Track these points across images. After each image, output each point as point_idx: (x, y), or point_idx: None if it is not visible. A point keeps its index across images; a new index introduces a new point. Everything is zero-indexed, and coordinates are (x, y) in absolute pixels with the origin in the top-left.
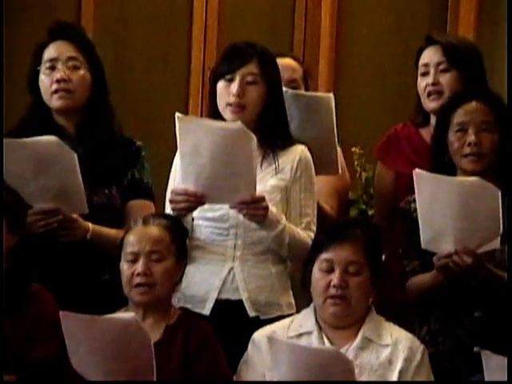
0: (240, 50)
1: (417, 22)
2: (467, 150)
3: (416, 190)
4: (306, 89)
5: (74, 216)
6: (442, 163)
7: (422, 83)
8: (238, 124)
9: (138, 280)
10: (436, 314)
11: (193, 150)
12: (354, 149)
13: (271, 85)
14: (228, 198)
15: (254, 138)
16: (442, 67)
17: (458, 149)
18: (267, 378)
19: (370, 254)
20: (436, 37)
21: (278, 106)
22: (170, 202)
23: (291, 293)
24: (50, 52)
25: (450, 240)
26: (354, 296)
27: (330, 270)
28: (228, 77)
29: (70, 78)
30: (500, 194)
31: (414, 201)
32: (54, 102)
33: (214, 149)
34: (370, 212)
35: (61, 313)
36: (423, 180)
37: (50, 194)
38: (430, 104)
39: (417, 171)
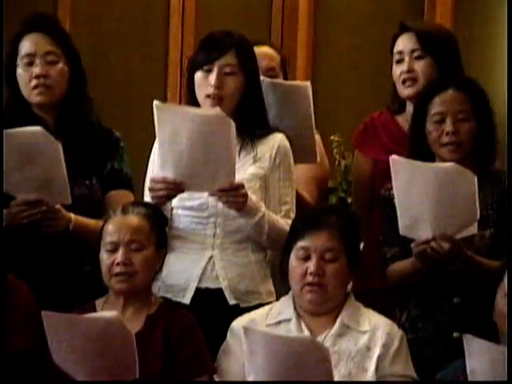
0: (218, 39)
1: (394, 10)
2: (445, 139)
3: (392, 177)
4: (285, 77)
5: (57, 207)
6: (420, 151)
7: (397, 70)
8: (217, 110)
9: (117, 269)
10: (415, 300)
11: (171, 138)
12: (332, 137)
13: (249, 75)
14: (207, 185)
15: (233, 124)
16: (416, 54)
17: (436, 138)
18: (246, 367)
19: (347, 241)
20: (410, 24)
21: (255, 95)
22: (149, 190)
23: (271, 281)
24: (26, 46)
25: (428, 226)
26: (331, 283)
27: (307, 258)
28: (206, 67)
29: (48, 73)
30: (476, 179)
31: None
32: (34, 98)
33: (193, 136)
34: (350, 199)
35: (42, 312)
36: (399, 166)
37: (34, 184)
38: (404, 91)
39: (393, 157)
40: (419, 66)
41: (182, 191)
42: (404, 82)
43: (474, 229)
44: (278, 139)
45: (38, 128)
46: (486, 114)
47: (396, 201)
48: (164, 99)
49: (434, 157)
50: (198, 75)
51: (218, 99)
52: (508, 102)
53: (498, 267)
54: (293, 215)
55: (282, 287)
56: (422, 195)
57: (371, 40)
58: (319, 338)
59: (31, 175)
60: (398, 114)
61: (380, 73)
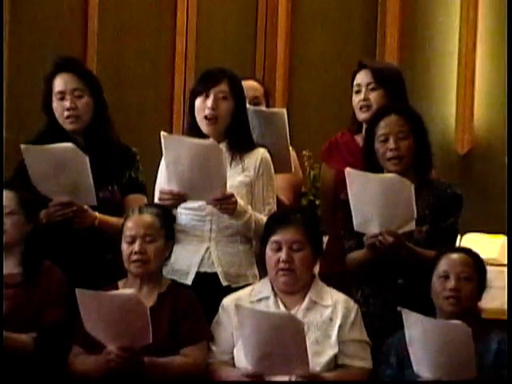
0: (213, 73)
1: (353, 53)
2: (389, 154)
3: (348, 185)
4: (267, 104)
5: (85, 207)
6: (371, 165)
7: (356, 99)
8: (211, 141)
9: (135, 257)
10: (368, 281)
11: (175, 160)
12: (304, 152)
13: (238, 101)
14: (204, 196)
15: (223, 151)
16: (370, 87)
17: (382, 154)
18: (235, 337)
19: (310, 234)
20: (366, 62)
21: (243, 118)
22: (159, 199)
23: (255, 266)
24: (58, 84)
25: (376, 223)
26: (299, 268)
27: (279, 249)
28: (204, 94)
29: (76, 106)
30: (413, 186)
31: None
32: (67, 126)
33: (192, 159)
34: (317, 202)
35: (76, 290)
36: (353, 176)
37: (66, 189)
38: (361, 115)
39: (348, 170)
40: (373, 96)
41: (185, 201)
42: (361, 108)
43: (412, 225)
44: (261, 153)
45: (69, 144)
46: (422, 134)
47: (351, 204)
48: (170, 123)
49: (383, 169)
50: (198, 101)
51: (213, 119)
52: (508, 101)
53: (433, 255)
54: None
55: (263, 271)
56: (371, 199)
57: (335, 76)
58: (292, 312)
59: (64, 182)
60: (356, 133)
61: (342, 102)
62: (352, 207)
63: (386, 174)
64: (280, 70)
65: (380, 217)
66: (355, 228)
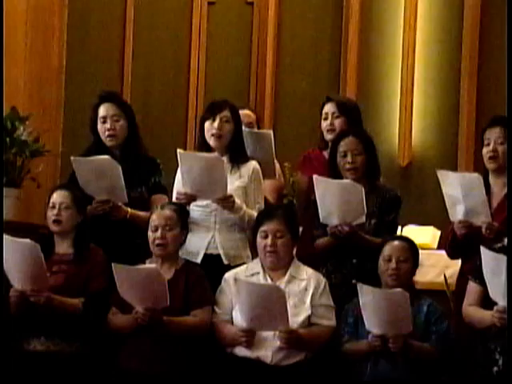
0: (219, 103)
1: (322, 87)
2: (347, 166)
3: (315, 188)
4: (258, 128)
5: (119, 204)
6: (335, 174)
7: (324, 124)
8: (216, 154)
9: (157, 242)
10: (331, 260)
11: (188, 170)
12: (285, 164)
13: (236, 124)
14: (210, 196)
15: (224, 162)
16: (335, 115)
17: (342, 166)
18: (233, 302)
19: (289, 225)
20: (332, 96)
21: (239, 137)
22: (176, 199)
23: (249, 249)
24: (102, 111)
25: (336, 217)
26: (281, 251)
27: (266, 237)
28: (211, 118)
29: (114, 128)
30: (363, 189)
31: None
32: (107, 142)
33: (201, 169)
34: (295, 201)
35: (112, 265)
36: (319, 182)
37: (104, 190)
38: (328, 136)
39: (315, 177)
40: (337, 122)
41: (195, 200)
42: (327, 131)
43: (362, 219)
44: (253, 164)
45: (106, 156)
46: (372, 150)
47: (317, 202)
48: (185, 140)
49: (343, 177)
50: (207, 124)
51: (218, 137)
52: (508, 102)
53: (379, 241)
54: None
55: (255, 253)
56: (333, 199)
57: (309, 106)
58: (277, 284)
59: (102, 185)
60: (324, 150)
61: (314, 125)
62: (318, 205)
63: (344, 180)
64: (268, 101)
65: (339, 212)
66: (321, 220)
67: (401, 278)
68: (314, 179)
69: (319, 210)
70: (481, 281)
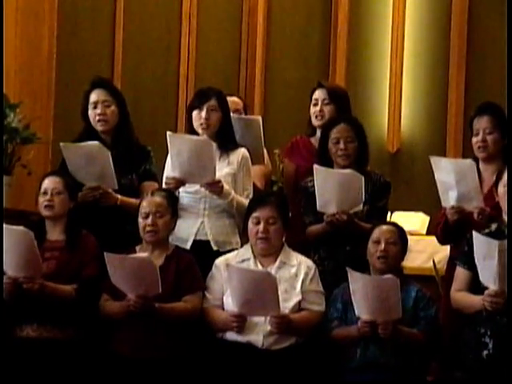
0: (205, 91)
1: (312, 74)
2: (340, 152)
3: (315, 177)
4: (246, 114)
5: (109, 190)
6: (325, 160)
7: (313, 110)
8: (205, 137)
9: (148, 228)
10: (323, 247)
11: (178, 154)
12: (275, 151)
13: (224, 112)
14: (199, 181)
15: (214, 145)
16: (325, 101)
17: (334, 152)
18: (224, 287)
19: (281, 212)
20: (323, 83)
21: (228, 124)
22: (165, 184)
23: (238, 235)
24: (93, 96)
25: (334, 205)
26: (273, 237)
27: (258, 223)
28: (199, 107)
29: (105, 113)
30: (363, 178)
31: (310, 181)
32: (98, 127)
33: (190, 152)
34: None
35: (104, 253)
36: (319, 171)
37: (94, 177)
38: (316, 122)
39: (315, 166)
40: (326, 109)
41: (184, 184)
42: (316, 117)
43: (360, 207)
44: (242, 151)
45: (95, 142)
46: (363, 138)
47: (316, 192)
48: (175, 128)
49: (333, 163)
50: (194, 113)
51: (206, 126)
52: (508, 102)
53: (370, 228)
54: (251, 196)
55: (244, 239)
56: (332, 188)
57: (298, 93)
58: (267, 270)
59: (92, 171)
60: (311, 136)
61: (303, 113)
62: (317, 193)
63: (344, 170)
64: (258, 88)
65: (337, 201)
66: (318, 209)
67: (389, 260)
68: (314, 169)
69: (317, 199)
70: (469, 266)
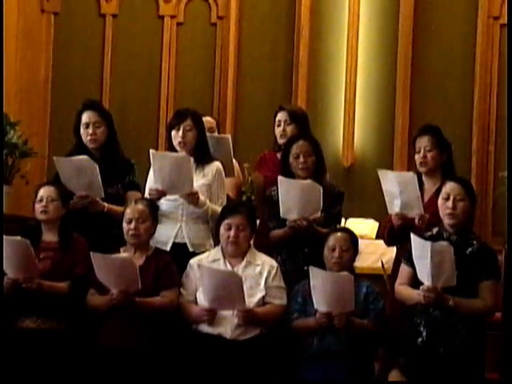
0: (182, 112)
1: (277, 96)
2: (300, 166)
3: (279, 187)
4: (219, 132)
5: (97, 199)
6: (287, 172)
7: (277, 130)
8: (183, 154)
9: (131, 232)
10: (285, 249)
11: (160, 169)
12: (245, 164)
13: (199, 130)
14: (178, 192)
15: (192, 160)
16: (287, 122)
17: (295, 166)
18: (197, 285)
19: (250, 219)
20: (284, 106)
21: (203, 141)
22: (148, 194)
23: (211, 239)
24: (85, 117)
25: (295, 212)
26: (242, 241)
27: (229, 229)
28: (176, 127)
29: (95, 133)
30: (321, 189)
31: (274, 191)
32: (89, 145)
33: (171, 167)
34: (253, 197)
35: (91, 253)
36: (283, 182)
37: (83, 187)
38: (280, 140)
39: (279, 177)
40: (288, 128)
41: (165, 195)
42: (280, 136)
43: (318, 213)
44: (216, 164)
45: (84, 156)
46: (319, 153)
47: (280, 200)
48: (156, 144)
49: (294, 175)
50: (173, 132)
51: (183, 144)
52: (508, 102)
53: (326, 232)
54: (224, 204)
55: (216, 242)
56: (294, 196)
57: (265, 114)
58: (235, 269)
59: (82, 182)
60: (277, 152)
61: (269, 130)
62: (280, 201)
63: (305, 181)
64: (229, 109)
65: (298, 208)
66: (281, 215)
67: (343, 264)
68: (278, 179)
69: (280, 206)
70: (411, 263)
